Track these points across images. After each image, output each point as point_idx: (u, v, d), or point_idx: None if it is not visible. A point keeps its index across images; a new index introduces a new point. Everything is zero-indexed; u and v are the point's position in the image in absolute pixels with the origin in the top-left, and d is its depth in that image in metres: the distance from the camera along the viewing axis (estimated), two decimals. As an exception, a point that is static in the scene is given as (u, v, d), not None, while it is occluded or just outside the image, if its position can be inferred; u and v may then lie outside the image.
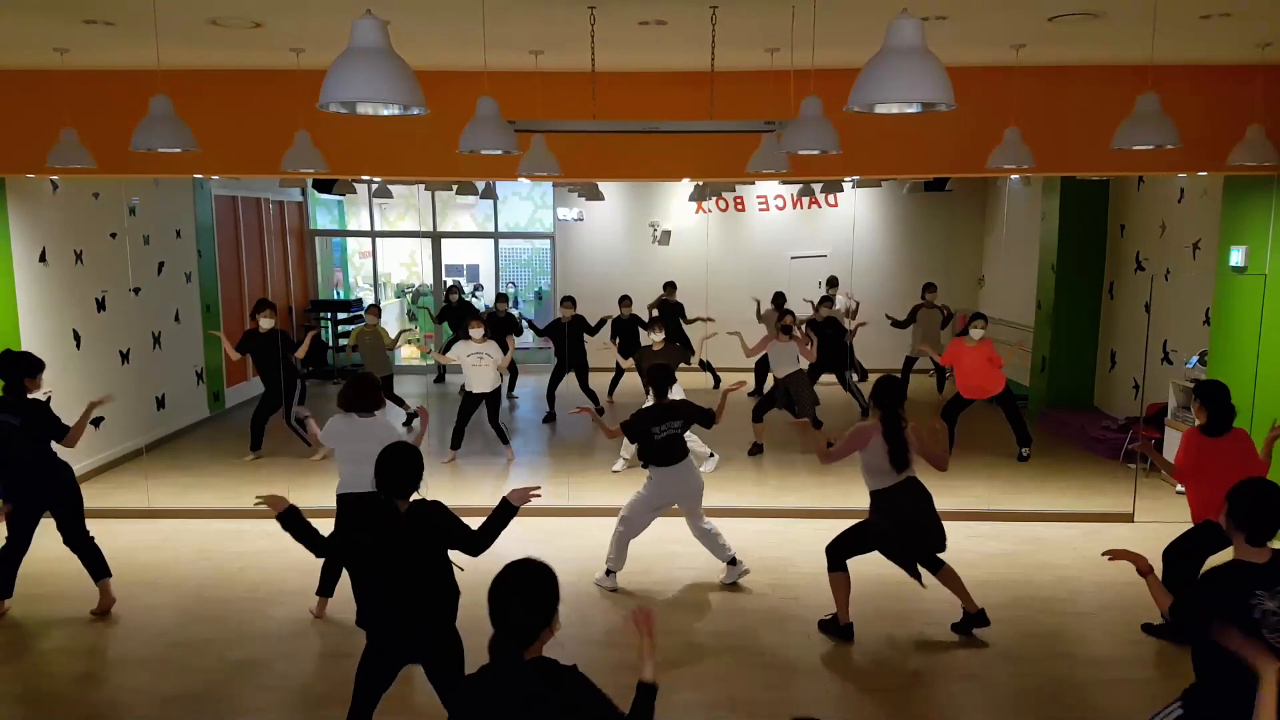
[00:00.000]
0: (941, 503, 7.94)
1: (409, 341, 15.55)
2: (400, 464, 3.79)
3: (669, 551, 7.04)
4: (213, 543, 7.23)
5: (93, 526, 7.54)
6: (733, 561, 6.43)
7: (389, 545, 3.76)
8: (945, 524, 7.59)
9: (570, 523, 7.67)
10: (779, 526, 7.60)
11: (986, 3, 5.08)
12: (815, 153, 4.97)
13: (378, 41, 3.06)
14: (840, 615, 5.58)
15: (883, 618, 5.54)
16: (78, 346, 8.72)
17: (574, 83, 6.74)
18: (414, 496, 3.86)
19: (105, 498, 8.24)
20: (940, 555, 5.58)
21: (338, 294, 15.46)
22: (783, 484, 8.77)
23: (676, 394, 6.68)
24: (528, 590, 2.73)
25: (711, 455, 9.18)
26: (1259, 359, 7.46)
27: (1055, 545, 7.23)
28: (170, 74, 6.73)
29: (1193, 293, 9.07)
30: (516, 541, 7.32)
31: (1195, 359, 8.67)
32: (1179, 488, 7.65)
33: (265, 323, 9.17)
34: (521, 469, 9.70)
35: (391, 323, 15.36)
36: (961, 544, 7.24)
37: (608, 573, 6.36)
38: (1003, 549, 7.17)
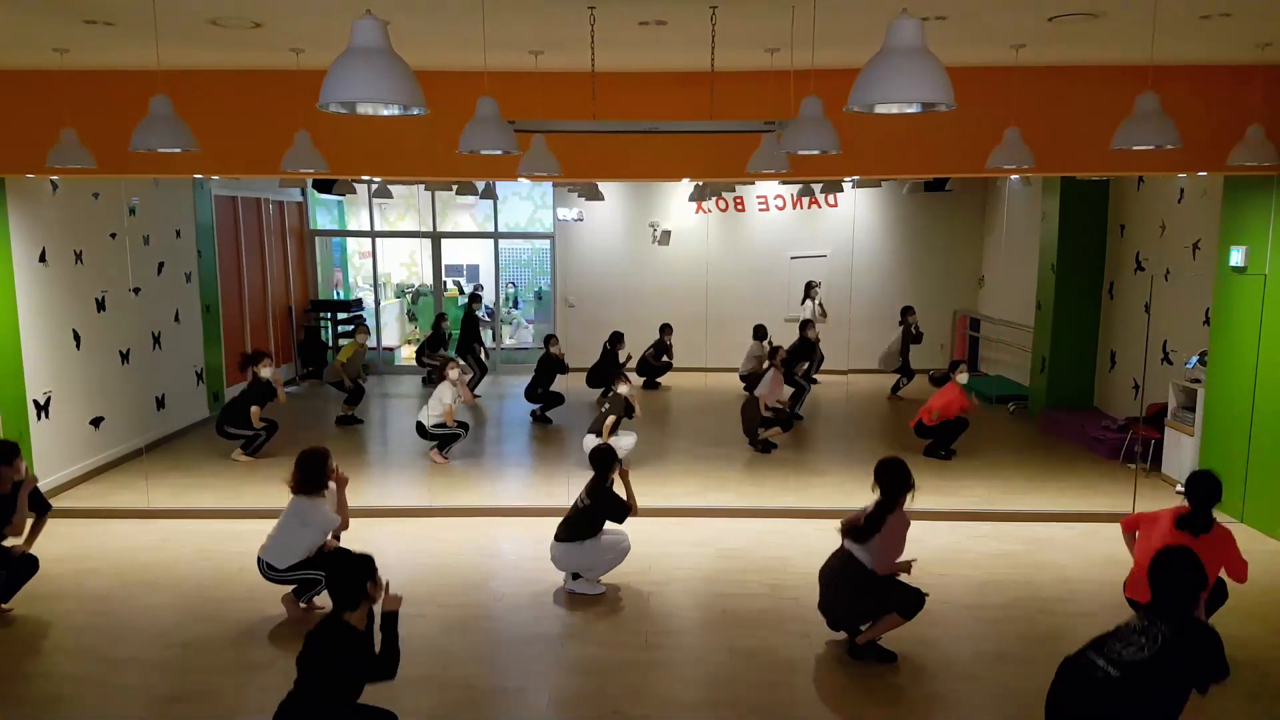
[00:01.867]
0: (942, 503, 8.04)
1: (408, 341, 15.58)
2: (338, 578, 3.95)
3: (669, 552, 7.04)
4: (213, 543, 7.23)
5: (92, 526, 7.60)
6: (576, 576, 6.30)
7: (312, 642, 3.97)
8: (946, 524, 7.66)
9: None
10: (779, 526, 7.61)
11: (986, 3, 5.08)
12: (815, 153, 4.98)
13: (377, 41, 3.06)
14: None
15: (883, 618, 5.54)
16: (78, 346, 8.72)
17: (574, 83, 6.74)
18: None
19: (105, 498, 8.25)
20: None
21: (338, 294, 15.47)
22: (782, 484, 8.77)
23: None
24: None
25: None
26: (1259, 359, 7.46)
27: (1055, 545, 7.23)
28: (170, 74, 6.73)
29: (1193, 293, 9.07)
30: (518, 543, 7.33)
31: (1195, 359, 8.67)
32: (1179, 487, 7.63)
33: (265, 372, 9.42)
34: (519, 468, 9.71)
35: (391, 323, 15.39)
36: (962, 544, 7.25)
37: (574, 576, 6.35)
38: (1003, 549, 7.17)
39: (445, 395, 9.29)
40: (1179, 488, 7.67)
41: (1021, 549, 7.17)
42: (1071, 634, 5.77)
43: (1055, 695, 3.74)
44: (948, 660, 5.41)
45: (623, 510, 6.13)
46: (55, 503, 8.11)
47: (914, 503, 5.21)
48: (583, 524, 6.13)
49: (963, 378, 9.64)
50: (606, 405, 9.09)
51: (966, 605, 6.16)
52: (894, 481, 5.12)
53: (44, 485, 8.18)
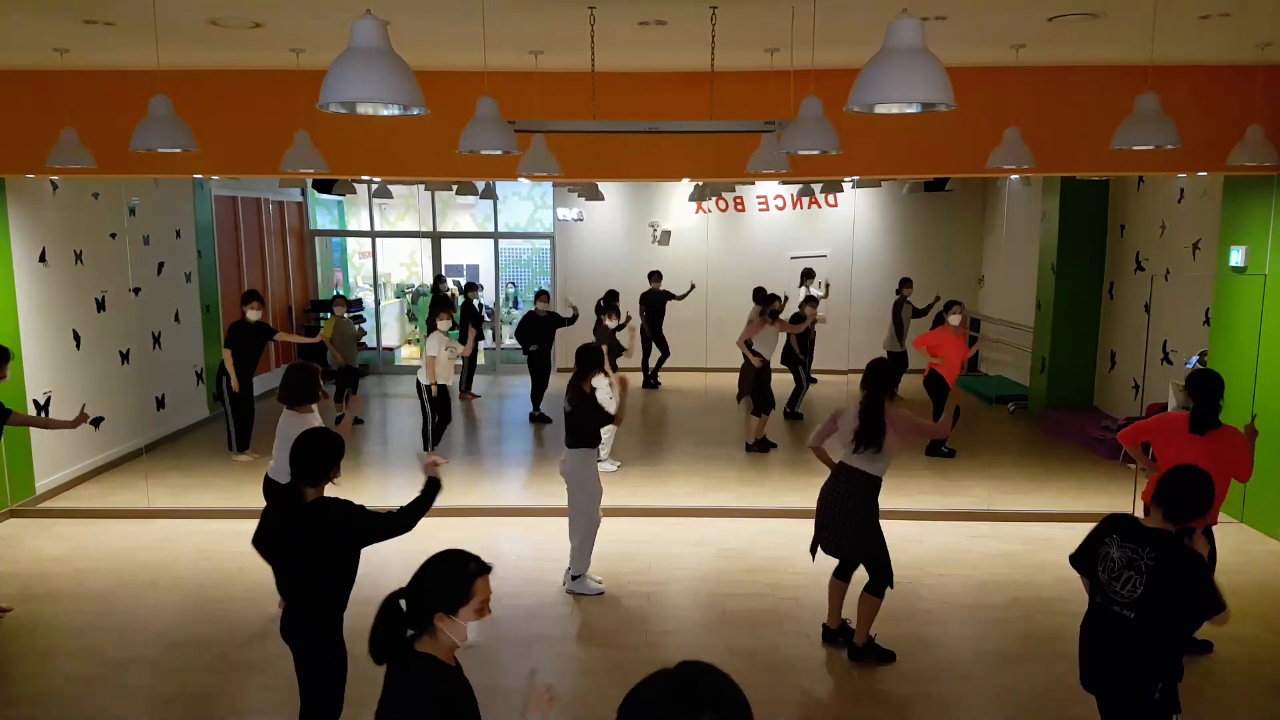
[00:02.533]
0: (942, 503, 8.04)
1: (408, 341, 15.58)
2: (307, 449, 3.77)
3: (669, 552, 7.04)
4: (213, 543, 7.23)
5: (92, 526, 7.60)
6: (575, 577, 6.27)
7: (284, 530, 3.80)
8: (946, 524, 7.66)
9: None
10: (779, 526, 7.60)
11: (986, 3, 5.07)
12: (815, 153, 4.97)
13: (377, 41, 3.05)
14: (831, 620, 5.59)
15: (882, 618, 5.52)
16: (78, 346, 8.72)
17: (574, 83, 6.74)
18: (328, 490, 3.87)
19: (105, 498, 8.25)
20: (859, 570, 5.36)
21: (337, 294, 15.46)
22: (782, 484, 8.77)
23: (600, 380, 6.49)
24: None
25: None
26: (1259, 359, 7.46)
27: (1055, 545, 7.22)
28: (170, 74, 6.73)
29: (1193, 293, 9.07)
30: (518, 543, 7.33)
31: (1195, 359, 8.67)
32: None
33: (253, 314, 9.16)
34: (519, 468, 9.71)
35: (391, 323, 15.38)
36: (962, 544, 7.25)
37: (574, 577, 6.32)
38: (1003, 549, 7.17)
39: (431, 346, 9.13)
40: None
41: (1021, 549, 7.17)
42: (1071, 634, 5.71)
43: (1089, 641, 3.77)
44: (947, 660, 5.41)
45: (602, 418, 6.09)
46: (55, 503, 8.16)
47: (895, 409, 5.22)
48: (572, 430, 6.11)
49: (954, 319, 9.55)
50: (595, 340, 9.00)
51: (966, 605, 6.17)
52: (876, 376, 5.27)
53: (43, 485, 8.20)
